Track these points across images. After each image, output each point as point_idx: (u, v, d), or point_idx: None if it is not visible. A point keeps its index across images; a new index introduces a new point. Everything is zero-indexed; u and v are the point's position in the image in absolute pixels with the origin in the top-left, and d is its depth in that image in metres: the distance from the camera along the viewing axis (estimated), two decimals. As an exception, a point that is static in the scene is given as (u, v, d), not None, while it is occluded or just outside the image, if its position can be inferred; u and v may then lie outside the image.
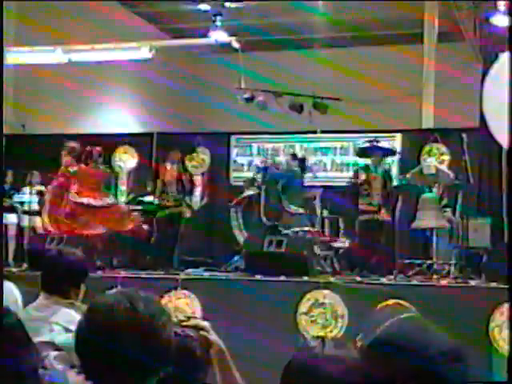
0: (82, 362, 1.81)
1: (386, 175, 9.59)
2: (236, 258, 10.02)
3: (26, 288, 4.24)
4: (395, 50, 15.27)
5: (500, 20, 13.21)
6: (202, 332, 2.28)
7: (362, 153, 10.13)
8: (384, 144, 10.08)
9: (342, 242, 9.85)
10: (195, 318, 2.36)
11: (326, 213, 10.31)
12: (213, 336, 2.31)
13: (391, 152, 10.07)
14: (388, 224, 9.34)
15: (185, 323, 2.27)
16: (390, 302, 2.07)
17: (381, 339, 1.53)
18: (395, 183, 9.67)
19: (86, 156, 10.05)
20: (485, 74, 15.85)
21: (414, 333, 1.53)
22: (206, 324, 2.32)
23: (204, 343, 2.27)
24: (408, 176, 9.66)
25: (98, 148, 10.16)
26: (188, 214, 10.19)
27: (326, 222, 10.29)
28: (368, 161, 9.89)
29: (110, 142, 11.81)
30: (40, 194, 10.43)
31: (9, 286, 3.88)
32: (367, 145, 9.98)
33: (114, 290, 1.97)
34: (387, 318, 1.60)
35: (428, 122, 12.70)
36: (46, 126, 12.32)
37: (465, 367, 1.48)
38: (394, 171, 10.56)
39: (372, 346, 1.53)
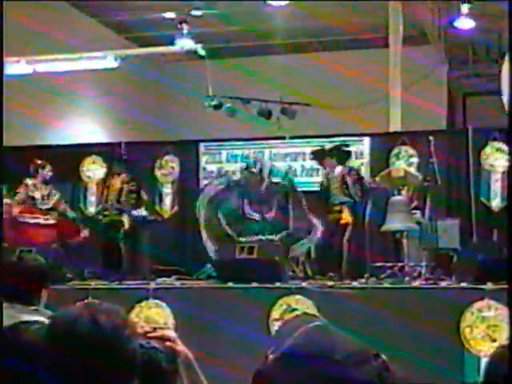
0: (44, 377, 1.78)
1: (348, 177, 9.58)
2: (208, 265, 9.99)
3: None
4: (361, 54, 15.35)
5: (464, 23, 13.37)
6: (168, 343, 2.25)
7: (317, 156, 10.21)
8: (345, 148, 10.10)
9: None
10: (161, 328, 2.33)
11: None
12: (179, 346, 2.28)
13: (347, 156, 10.04)
14: (353, 226, 9.38)
15: (151, 334, 2.23)
16: (298, 312, 2.10)
17: (289, 350, 1.54)
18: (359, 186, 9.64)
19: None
20: (450, 76, 16.09)
21: (320, 340, 1.55)
22: (172, 334, 2.29)
23: (171, 354, 2.24)
24: (377, 179, 9.71)
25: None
26: (126, 226, 10.10)
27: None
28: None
29: (78, 153, 11.73)
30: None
31: None
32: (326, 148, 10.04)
33: (79, 304, 1.93)
34: (295, 329, 1.61)
35: (395, 125, 12.77)
36: (12, 138, 12.16)
37: (374, 368, 1.50)
38: (364, 174, 10.57)
39: (282, 357, 1.54)
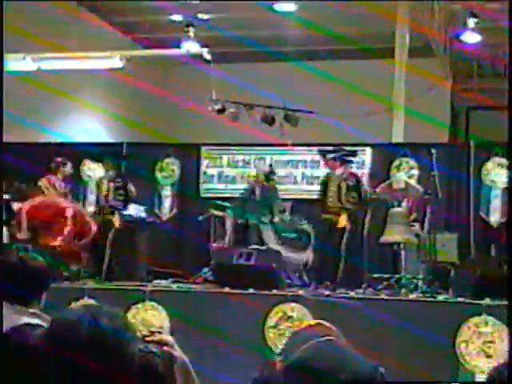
0: (43, 379, 1.77)
1: (347, 181, 9.56)
2: (205, 269, 9.98)
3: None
4: (366, 64, 15.36)
5: (470, 37, 13.38)
6: (165, 347, 2.24)
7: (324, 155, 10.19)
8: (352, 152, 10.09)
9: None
10: (159, 332, 2.32)
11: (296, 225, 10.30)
12: (177, 351, 2.27)
13: (351, 154, 10.01)
14: (351, 234, 9.33)
15: (148, 338, 2.23)
16: (313, 322, 2.06)
17: (296, 362, 1.53)
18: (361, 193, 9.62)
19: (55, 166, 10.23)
20: (454, 89, 16.11)
21: (329, 356, 1.53)
22: (169, 339, 2.28)
23: (167, 359, 2.23)
24: (377, 190, 9.70)
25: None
26: (117, 224, 10.05)
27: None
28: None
29: (79, 152, 11.70)
30: (6, 202, 10.36)
31: None
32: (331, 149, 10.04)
33: (78, 304, 1.93)
34: (307, 340, 1.60)
35: (398, 136, 12.78)
36: (15, 135, 12.18)
37: None
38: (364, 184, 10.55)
39: (288, 368, 1.53)
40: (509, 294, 6.21)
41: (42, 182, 10.24)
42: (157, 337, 2.26)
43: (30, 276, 3.24)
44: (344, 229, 9.29)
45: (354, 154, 10.00)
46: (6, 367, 2.28)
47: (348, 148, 10.17)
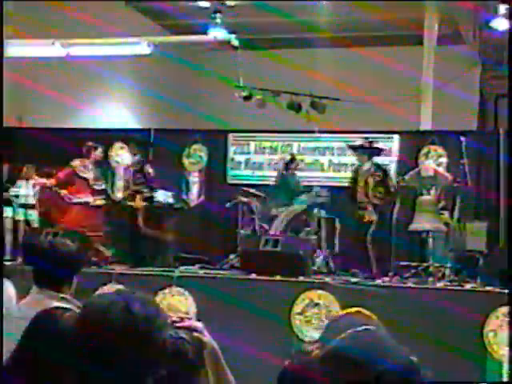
0: (74, 364, 1.77)
1: (374, 176, 9.52)
2: (232, 256, 10.00)
3: (21, 283, 4.19)
4: (395, 51, 15.24)
5: (500, 24, 13.20)
6: (195, 333, 2.25)
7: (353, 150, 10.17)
8: (376, 144, 10.02)
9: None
10: (188, 318, 2.32)
11: (322, 213, 10.27)
12: (206, 337, 2.28)
13: (378, 151, 9.97)
14: (378, 225, 9.30)
15: (178, 324, 2.23)
16: (353, 310, 2.03)
17: (333, 352, 1.51)
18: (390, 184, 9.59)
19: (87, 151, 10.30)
20: (483, 77, 15.93)
21: (367, 347, 1.51)
22: (199, 325, 2.29)
23: (197, 345, 2.24)
24: (406, 178, 9.65)
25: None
26: (140, 209, 10.11)
27: (323, 222, 10.23)
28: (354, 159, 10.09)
29: (108, 138, 11.76)
30: (35, 187, 10.46)
31: (5, 283, 3.82)
32: (358, 143, 10.00)
33: (109, 289, 1.93)
34: (345, 329, 1.57)
35: (426, 124, 12.66)
36: (43, 120, 12.27)
37: None
38: (392, 173, 10.50)
39: (324, 357, 1.51)
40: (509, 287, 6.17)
41: (75, 163, 10.35)
42: (186, 323, 2.27)
43: (61, 261, 3.25)
44: (371, 221, 9.28)
45: (380, 151, 9.96)
46: (35, 349, 2.30)
47: (375, 145, 10.07)
